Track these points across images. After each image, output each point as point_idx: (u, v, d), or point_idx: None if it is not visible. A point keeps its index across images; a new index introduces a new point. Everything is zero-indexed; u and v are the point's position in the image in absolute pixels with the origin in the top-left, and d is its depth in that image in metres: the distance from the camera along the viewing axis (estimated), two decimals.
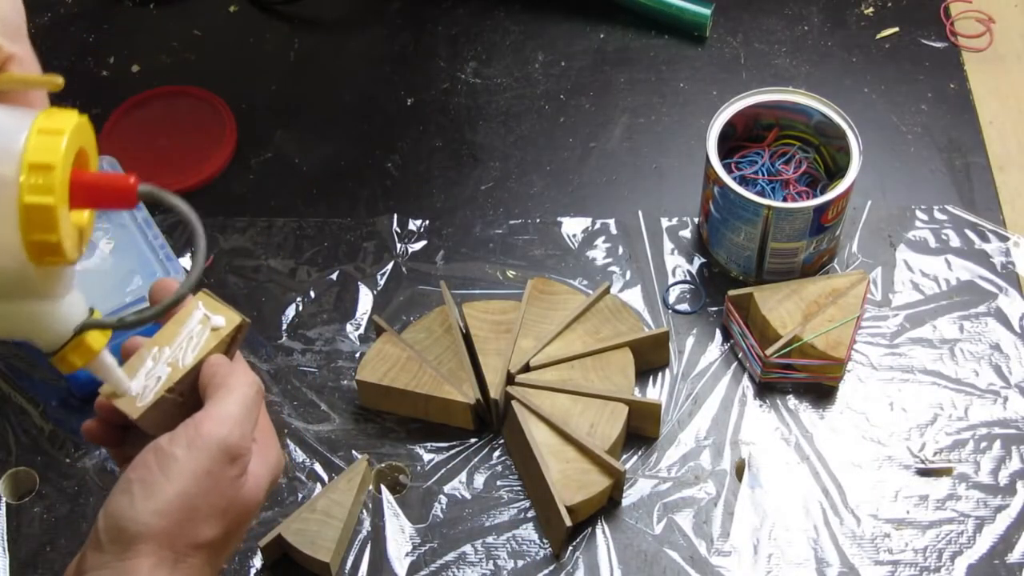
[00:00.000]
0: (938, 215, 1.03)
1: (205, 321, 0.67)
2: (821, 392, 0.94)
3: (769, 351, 0.91)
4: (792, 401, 0.94)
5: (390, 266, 1.02)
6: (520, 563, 0.87)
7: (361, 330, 0.98)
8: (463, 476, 0.91)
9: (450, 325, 0.95)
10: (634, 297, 0.99)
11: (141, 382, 0.65)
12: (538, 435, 0.88)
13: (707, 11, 1.15)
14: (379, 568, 0.87)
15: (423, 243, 1.03)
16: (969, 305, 0.98)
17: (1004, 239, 1.01)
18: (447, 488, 0.90)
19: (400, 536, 0.88)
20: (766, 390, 0.94)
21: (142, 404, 0.65)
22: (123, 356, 0.68)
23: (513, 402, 0.90)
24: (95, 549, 0.60)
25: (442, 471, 0.91)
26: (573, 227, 1.04)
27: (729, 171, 0.98)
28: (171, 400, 0.66)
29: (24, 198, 0.53)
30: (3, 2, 0.62)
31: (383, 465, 0.91)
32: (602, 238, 1.03)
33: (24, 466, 0.92)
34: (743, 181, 0.99)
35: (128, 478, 0.61)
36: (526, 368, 0.93)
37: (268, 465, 0.66)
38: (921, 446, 0.91)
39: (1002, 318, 0.97)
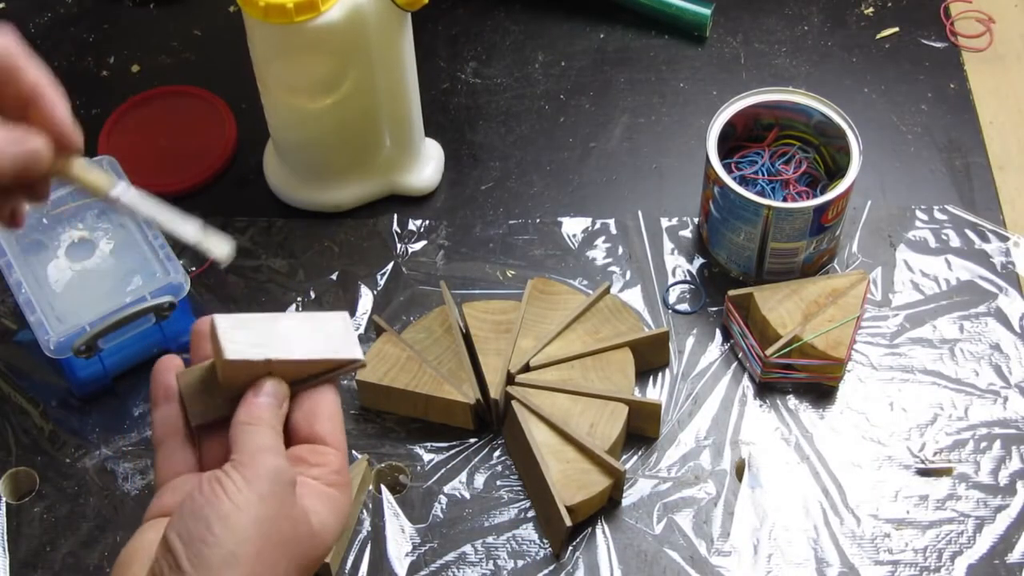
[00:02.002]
0: (938, 215, 1.03)
1: (331, 337, 0.66)
2: (821, 392, 0.94)
3: (769, 351, 0.91)
4: (792, 401, 0.94)
5: (390, 266, 1.02)
6: (520, 563, 0.87)
7: (361, 330, 0.98)
8: (463, 476, 0.91)
9: (450, 325, 0.95)
10: (634, 297, 0.99)
11: (243, 342, 0.64)
12: (538, 435, 0.88)
13: (707, 11, 1.15)
14: (379, 568, 0.87)
15: (423, 243, 1.03)
16: (969, 305, 0.98)
17: (1004, 239, 1.01)
18: (447, 488, 0.90)
19: (400, 536, 0.88)
20: (766, 390, 0.94)
21: (235, 355, 0.63)
22: None
23: (513, 402, 0.90)
24: (175, 571, 0.57)
25: (442, 471, 0.91)
26: (573, 227, 1.04)
27: (729, 171, 0.98)
28: (257, 368, 0.64)
29: None
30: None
31: (383, 465, 0.92)
32: (602, 238, 1.03)
33: (24, 466, 0.92)
34: (743, 181, 0.99)
35: (197, 503, 0.58)
36: (526, 368, 0.93)
37: (337, 514, 0.63)
38: (921, 446, 0.91)
39: (1002, 318, 0.97)
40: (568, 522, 0.84)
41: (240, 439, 0.62)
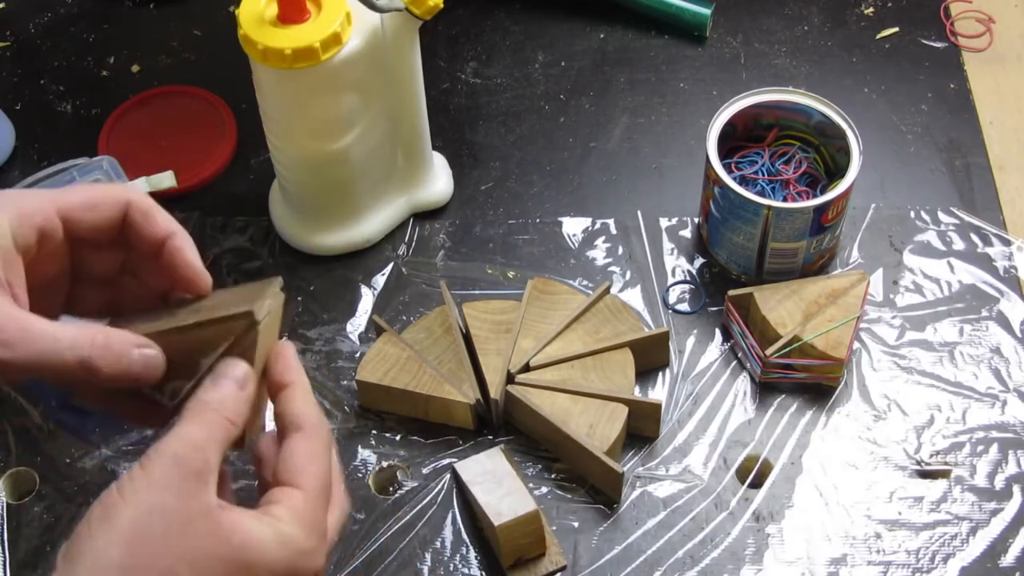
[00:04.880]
0: (941, 217, 1.03)
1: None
2: (821, 392, 0.94)
3: (769, 351, 0.91)
4: (792, 401, 0.94)
5: (390, 266, 1.02)
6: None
7: (361, 330, 0.99)
8: None
9: (450, 325, 0.95)
10: (634, 297, 0.99)
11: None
12: (547, 409, 0.89)
13: (707, 11, 1.15)
14: (373, 567, 0.87)
15: (423, 243, 1.03)
16: (970, 308, 0.98)
17: (1007, 243, 1.01)
18: (447, 488, 0.90)
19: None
20: (766, 390, 0.94)
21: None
22: None
23: (513, 388, 0.90)
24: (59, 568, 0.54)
25: (443, 471, 0.91)
26: (573, 227, 1.04)
27: (729, 171, 0.98)
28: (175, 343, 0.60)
29: None
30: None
31: (383, 465, 0.92)
32: (602, 238, 1.03)
33: (24, 466, 0.92)
34: (743, 181, 0.99)
35: (92, 509, 0.55)
36: (526, 368, 0.93)
37: (282, 545, 0.55)
38: (918, 448, 0.91)
39: (1003, 322, 0.97)
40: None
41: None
